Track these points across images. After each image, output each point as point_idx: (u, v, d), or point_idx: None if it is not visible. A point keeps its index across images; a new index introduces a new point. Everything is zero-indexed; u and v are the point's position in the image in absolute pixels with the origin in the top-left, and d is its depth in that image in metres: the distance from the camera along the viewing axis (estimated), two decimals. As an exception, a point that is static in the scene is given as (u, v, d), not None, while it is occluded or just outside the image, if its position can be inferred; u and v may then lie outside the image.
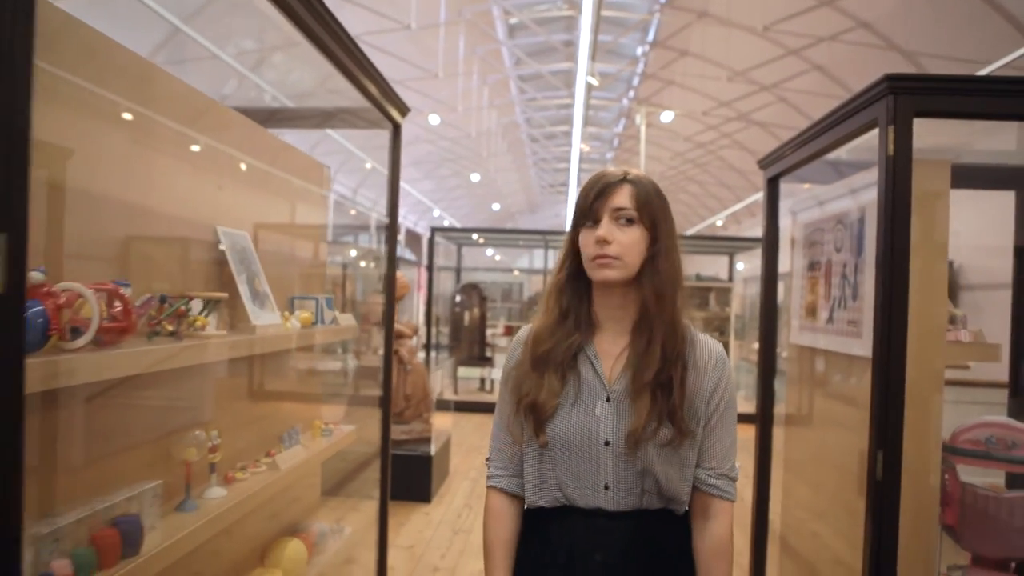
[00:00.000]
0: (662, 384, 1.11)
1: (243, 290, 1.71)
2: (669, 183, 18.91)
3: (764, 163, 2.48)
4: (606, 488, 1.13)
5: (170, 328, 1.38)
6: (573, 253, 1.18)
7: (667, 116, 11.79)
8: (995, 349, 1.87)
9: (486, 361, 8.95)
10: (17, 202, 0.80)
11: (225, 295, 1.57)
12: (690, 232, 17.91)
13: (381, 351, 4.37)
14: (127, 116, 1.46)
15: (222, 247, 1.73)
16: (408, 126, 2.65)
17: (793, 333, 2.40)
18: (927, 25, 8.09)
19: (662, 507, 1.16)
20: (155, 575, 1.32)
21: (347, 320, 2.40)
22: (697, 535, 1.20)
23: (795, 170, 2.24)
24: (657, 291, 1.13)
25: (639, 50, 13.83)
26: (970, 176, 2.26)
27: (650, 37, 12.98)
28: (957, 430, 1.97)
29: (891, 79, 1.55)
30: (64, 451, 1.25)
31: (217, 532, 1.59)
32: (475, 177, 19.44)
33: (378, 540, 2.75)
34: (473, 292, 9.76)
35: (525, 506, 1.24)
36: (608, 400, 1.14)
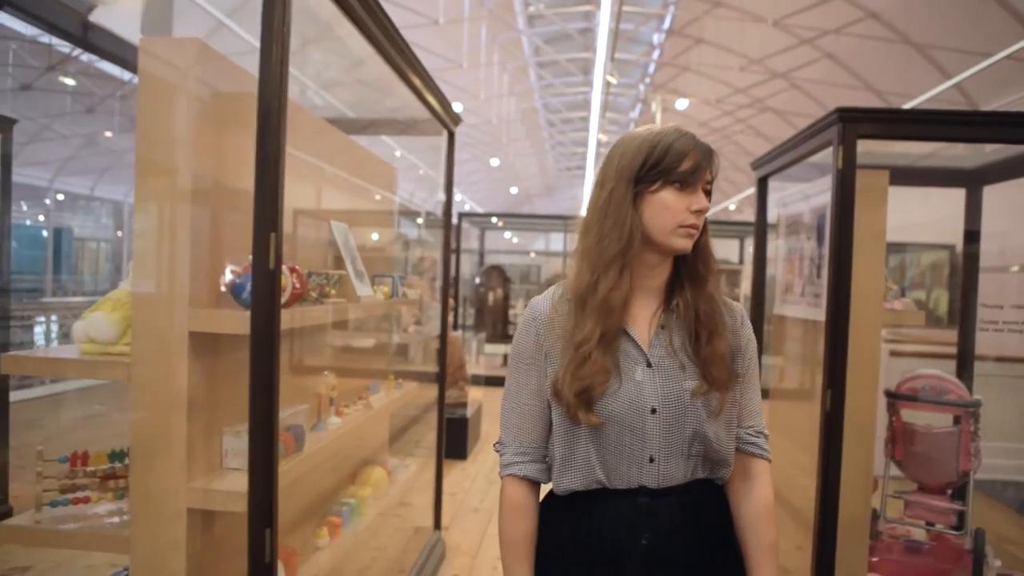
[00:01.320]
0: (704, 343, 1.11)
1: (349, 269, 2.27)
2: (684, 167, 19.26)
3: (755, 164, 2.99)
4: (651, 460, 1.08)
5: (314, 295, 1.94)
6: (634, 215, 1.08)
7: (682, 103, 12.21)
8: (920, 316, 2.40)
9: (509, 339, 9.57)
10: (278, 213, 1.36)
11: (344, 272, 2.13)
12: (704, 216, 18.31)
13: (411, 329, 4.98)
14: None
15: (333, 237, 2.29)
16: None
17: (777, 305, 2.93)
18: (934, 19, 8.45)
19: (707, 476, 1.14)
20: (307, 470, 1.90)
21: (413, 294, 2.96)
22: (741, 498, 1.17)
23: (779, 172, 2.75)
24: (705, 262, 1.14)
25: (655, 38, 14.22)
26: (915, 176, 2.76)
27: (666, 25, 13.36)
28: (900, 380, 2.49)
29: (841, 111, 2.06)
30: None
31: (336, 449, 2.16)
32: (495, 162, 19.93)
33: (435, 479, 3.33)
34: (495, 274, 10.34)
35: (543, 494, 1.20)
36: (649, 365, 1.10)
